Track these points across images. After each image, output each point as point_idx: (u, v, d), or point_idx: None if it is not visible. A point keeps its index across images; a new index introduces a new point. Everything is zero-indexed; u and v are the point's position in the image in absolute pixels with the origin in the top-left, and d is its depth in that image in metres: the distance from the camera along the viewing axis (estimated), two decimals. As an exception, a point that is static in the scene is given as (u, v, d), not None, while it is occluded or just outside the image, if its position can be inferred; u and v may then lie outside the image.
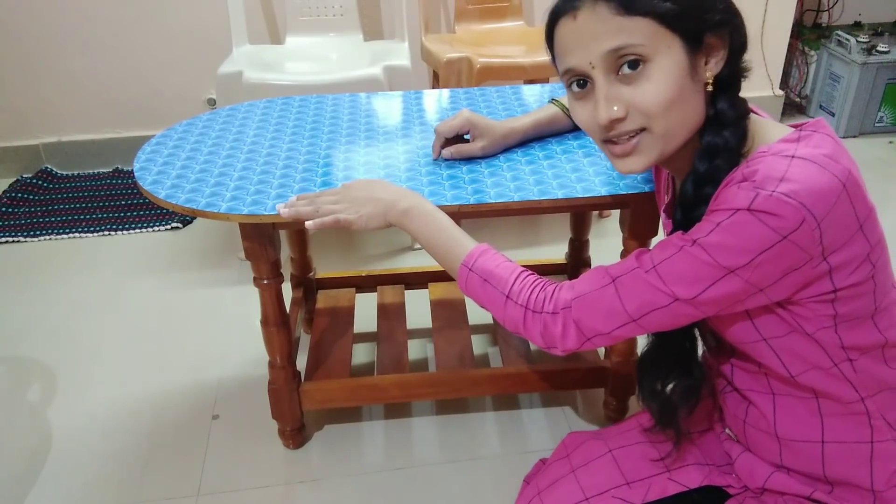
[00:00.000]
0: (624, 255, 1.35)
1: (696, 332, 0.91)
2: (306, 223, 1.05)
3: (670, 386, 0.91)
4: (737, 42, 0.80)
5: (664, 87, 0.77)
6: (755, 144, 0.80)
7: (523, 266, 0.93)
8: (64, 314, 1.96)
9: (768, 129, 0.81)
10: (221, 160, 1.30)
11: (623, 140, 0.81)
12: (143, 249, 2.25)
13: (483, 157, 1.28)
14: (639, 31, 0.76)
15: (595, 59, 0.78)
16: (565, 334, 0.85)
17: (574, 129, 1.35)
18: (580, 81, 0.82)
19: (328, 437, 1.55)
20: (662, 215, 0.98)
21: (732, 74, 0.81)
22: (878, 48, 2.70)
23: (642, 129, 0.80)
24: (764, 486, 0.89)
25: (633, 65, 0.77)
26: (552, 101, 1.33)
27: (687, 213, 0.82)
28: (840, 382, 0.81)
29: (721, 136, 0.80)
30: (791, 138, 0.77)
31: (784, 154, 0.74)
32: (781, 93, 2.88)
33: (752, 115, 0.83)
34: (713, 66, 0.79)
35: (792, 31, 2.79)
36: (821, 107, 2.91)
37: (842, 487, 0.84)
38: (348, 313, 1.70)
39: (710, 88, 0.80)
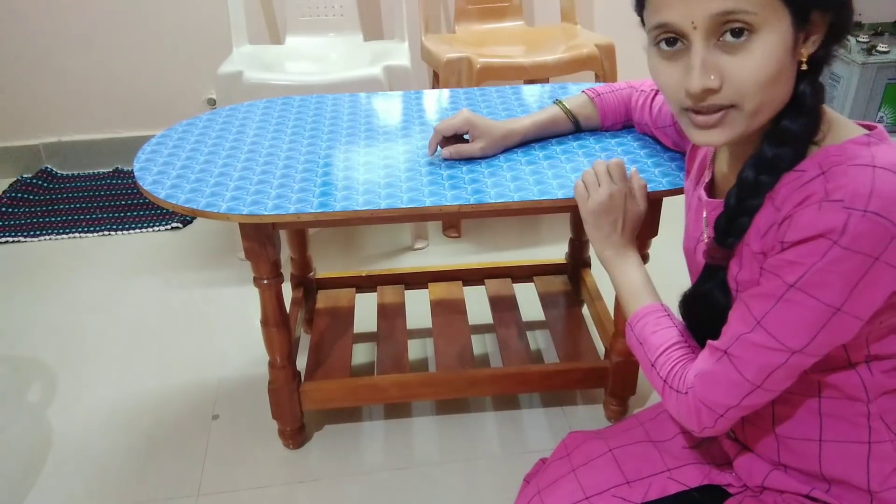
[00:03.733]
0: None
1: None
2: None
3: None
4: (840, 23, 0.75)
5: (766, 63, 0.72)
6: (826, 139, 0.76)
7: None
8: (64, 314, 1.96)
9: (837, 124, 0.77)
10: (221, 160, 1.30)
11: (709, 111, 0.76)
12: (143, 249, 2.25)
13: (482, 158, 1.28)
14: None
15: (699, 20, 0.71)
16: (699, 416, 0.82)
17: (575, 132, 1.34)
18: (671, 39, 0.75)
19: (328, 437, 1.55)
20: (701, 192, 0.92)
21: (823, 56, 0.76)
22: (878, 48, 2.70)
23: (731, 105, 0.75)
24: (762, 484, 0.89)
25: (738, 33, 0.71)
26: (556, 101, 1.33)
27: (743, 201, 0.79)
28: (853, 379, 0.81)
29: (797, 122, 0.76)
30: (861, 141, 0.74)
31: (862, 163, 0.70)
32: (781, 93, 2.88)
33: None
34: (810, 45, 0.74)
35: (792, 32, 2.79)
36: (821, 107, 2.91)
37: (839, 486, 0.85)
38: (348, 313, 1.70)
39: (804, 68, 0.75)
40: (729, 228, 0.83)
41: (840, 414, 0.83)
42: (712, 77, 0.73)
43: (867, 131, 0.76)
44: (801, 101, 0.76)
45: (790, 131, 0.76)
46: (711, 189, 0.92)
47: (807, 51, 0.74)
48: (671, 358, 0.87)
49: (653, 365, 0.89)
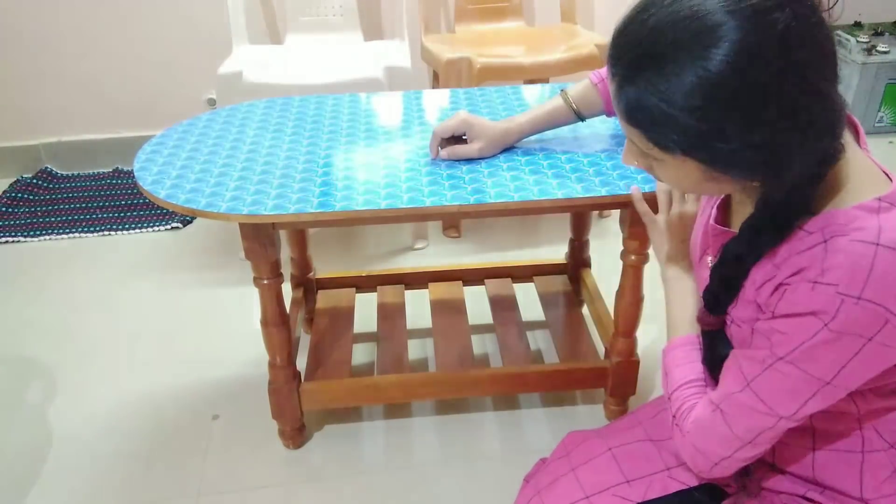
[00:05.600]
0: (624, 255, 1.35)
1: None
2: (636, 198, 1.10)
3: None
4: (781, 184, 0.71)
5: (675, 183, 0.78)
6: (835, 199, 0.72)
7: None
8: (64, 314, 1.96)
9: (854, 180, 0.72)
10: (221, 160, 1.30)
11: None
12: (143, 249, 2.25)
13: (481, 158, 1.28)
14: (644, 144, 0.73)
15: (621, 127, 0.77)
16: (694, 460, 0.85)
17: (578, 121, 1.30)
18: None
19: (328, 437, 1.55)
20: (713, 212, 0.90)
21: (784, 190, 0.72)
22: (878, 48, 2.70)
23: None
24: (760, 485, 0.90)
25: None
26: (561, 91, 1.29)
27: (745, 252, 0.78)
28: (842, 400, 0.79)
29: (766, 219, 0.74)
30: (871, 207, 0.69)
31: (865, 239, 0.67)
32: (781, 93, 2.87)
33: (845, 153, 0.72)
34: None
35: (792, 31, 2.79)
36: (821, 107, 2.91)
37: (832, 490, 0.85)
38: (348, 313, 1.70)
39: (756, 184, 0.73)
40: (718, 301, 0.83)
41: (832, 424, 0.82)
42: (635, 163, 0.80)
43: (883, 188, 0.71)
44: (769, 209, 0.74)
45: (755, 227, 0.75)
46: (727, 205, 0.89)
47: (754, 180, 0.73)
48: (682, 396, 0.88)
49: (669, 398, 0.90)
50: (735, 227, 0.84)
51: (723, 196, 0.89)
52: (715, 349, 0.86)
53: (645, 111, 0.69)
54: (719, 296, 0.83)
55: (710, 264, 0.89)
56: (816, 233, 0.71)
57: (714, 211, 0.89)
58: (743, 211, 0.83)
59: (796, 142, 0.66)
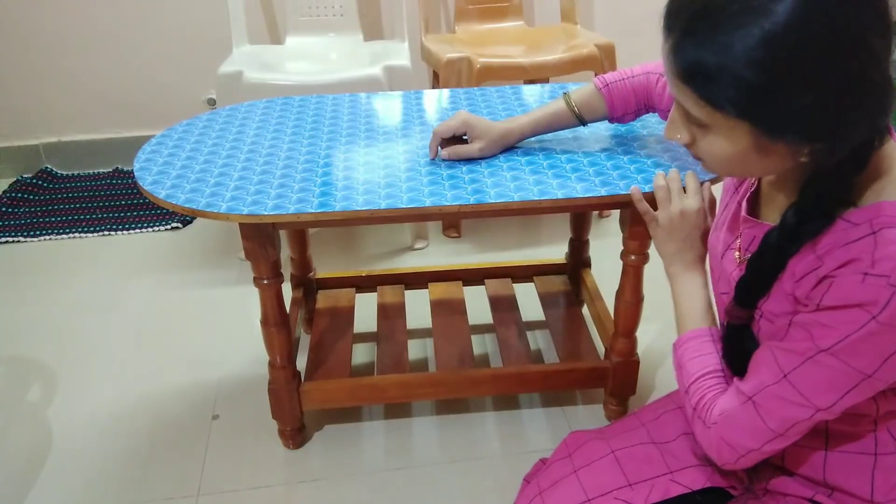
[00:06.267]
0: (624, 255, 1.34)
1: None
2: (635, 198, 1.10)
3: None
4: (831, 156, 0.70)
5: (719, 153, 0.75)
6: (884, 189, 0.71)
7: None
8: (64, 314, 1.96)
9: (893, 174, 0.72)
10: (221, 160, 1.30)
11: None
12: (143, 249, 2.25)
13: (482, 158, 1.28)
14: (696, 105, 0.71)
15: (672, 91, 0.75)
16: (720, 452, 0.84)
17: (580, 125, 1.30)
18: None
19: (328, 437, 1.55)
20: (743, 205, 0.89)
21: (836, 163, 0.71)
22: (878, 48, 2.69)
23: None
24: (766, 487, 0.89)
25: (699, 121, 0.74)
26: (564, 94, 1.27)
27: (787, 242, 0.76)
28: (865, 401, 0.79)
29: (809, 207, 0.73)
30: None
31: None
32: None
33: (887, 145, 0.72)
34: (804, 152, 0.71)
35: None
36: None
37: (841, 492, 0.84)
38: (348, 313, 1.70)
39: (803, 160, 0.72)
40: (750, 294, 0.82)
41: (848, 425, 0.82)
42: (678, 136, 0.78)
43: None
44: (813, 190, 0.73)
45: (795, 217, 0.74)
46: (755, 198, 0.88)
47: (805, 148, 0.71)
48: (703, 387, 0.87)
49: (686, 391, 0.89)
50: (765, 221, 0.84)
51: (751, 190, 0.88)
52: (740, 343, 0.85)
53: (702, 67, 0.68)
54: (753, 288, 0.82)
55: (736, 258, 0.88)
56: (863, 224, 0.70)
57: (745, 204, 0.88)
58: (773, 203, 0.83)
59: (851, 105, 0.66)
